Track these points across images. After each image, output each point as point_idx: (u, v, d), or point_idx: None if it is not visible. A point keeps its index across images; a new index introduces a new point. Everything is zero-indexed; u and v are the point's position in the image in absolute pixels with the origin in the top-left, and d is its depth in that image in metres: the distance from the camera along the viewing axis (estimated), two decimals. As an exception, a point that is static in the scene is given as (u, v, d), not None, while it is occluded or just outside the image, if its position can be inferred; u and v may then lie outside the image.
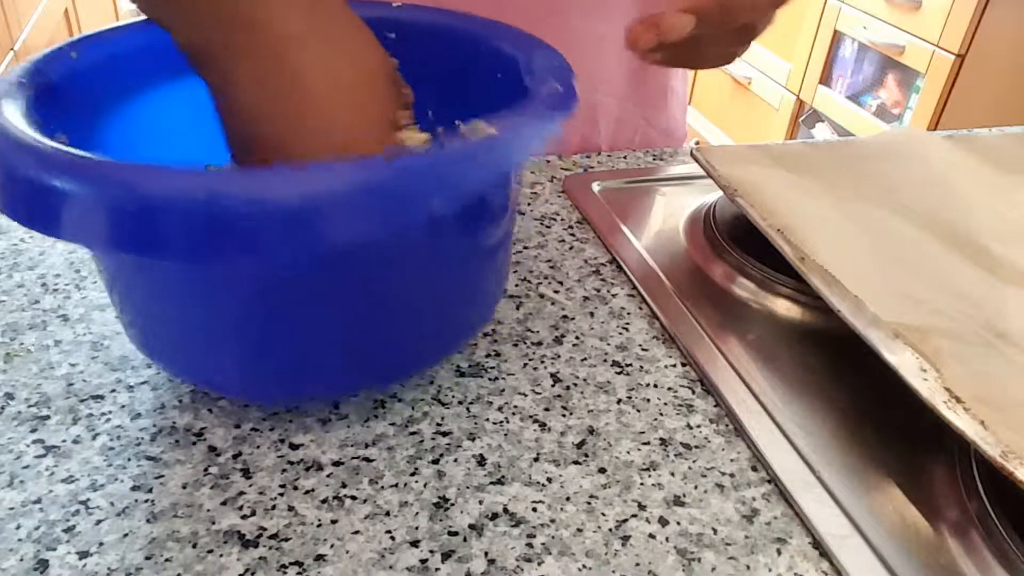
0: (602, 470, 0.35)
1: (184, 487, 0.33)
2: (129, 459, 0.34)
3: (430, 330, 0.37)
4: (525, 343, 0.42)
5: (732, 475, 0.36)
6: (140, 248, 0.26)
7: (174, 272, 0.31)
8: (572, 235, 0.52)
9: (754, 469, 0.36)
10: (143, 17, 0.33)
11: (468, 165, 0.29)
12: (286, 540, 0.31)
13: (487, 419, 0.37)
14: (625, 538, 0.32)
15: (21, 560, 0.30)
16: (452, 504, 0.33)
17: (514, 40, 0.39)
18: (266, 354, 0.34)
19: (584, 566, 0.31)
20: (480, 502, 0.33)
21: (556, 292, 0.47)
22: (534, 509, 0.33)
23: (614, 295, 0.47)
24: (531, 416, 0.38)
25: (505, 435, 0.37)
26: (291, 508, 0.33)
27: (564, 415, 0.38)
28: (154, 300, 0.33)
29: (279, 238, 0.26)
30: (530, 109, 0.32)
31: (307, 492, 0.33)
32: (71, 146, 0.27)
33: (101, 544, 0.31)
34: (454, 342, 0.40)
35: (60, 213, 0.26)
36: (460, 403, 0.38)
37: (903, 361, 0.36)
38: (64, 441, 0.35)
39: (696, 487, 0.35)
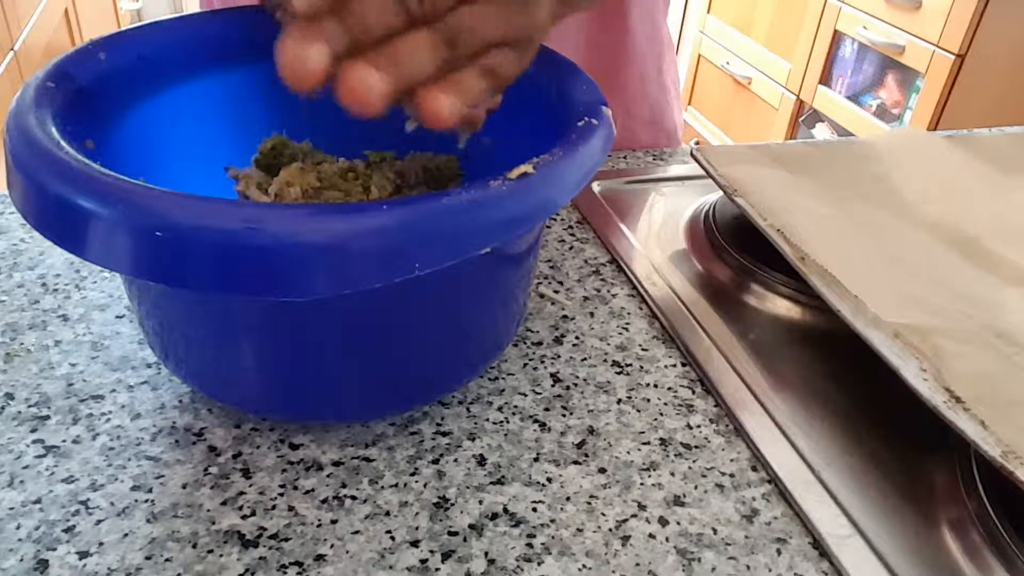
0: (602, 470, 0.35)
1: (184, 487, 0.33)
2: (129, 459, 0.34)
3: (456, 359, 0.36)
4: (525, 343, 0.42)
5: (732, 475, 0.36)
6: (168, 278, 0.25)
7: (198, 298, 0.31)
8: (572, 235, 0.52)
9: (754, 469, 0.36)
10: (171, 15, 0.32)
11: (516, 206, 0.28)
12: (286, 540, 0.31)
13: (487, 419, 0.37)
14: (625, 538, 0.32)
15: (21, 560, 0.30)
16: (452, 504, 0.33)
17: (546, 64, 0.36)
18: (289, 380, 0.34)
19: (584, 566, 0.31)
20: (480, 502, 0.33)
21: (556, 292, 0.47)
22: (534, 509, 0.33)
23: (614, 295, 0.47)
24: (531, 416, 0.38)
25: (505, 435, 0.37)
26: (291, 508, 0.33)
27: (564, 415, 0.38)
28: (178, 322, 0.33)
29: (312, 276, 0.25)
30: (571, 150, 0.31)
31: (307, 492, 0.33)
32: (98, 150, 0.26)
33: (101, 544, 0.31)
34: (482, 364, 0.39)
35: (88, 237, 0.25)
36: (460, 403, 0.38)
37: (903, 361, 0.36)
38: (64, 441, 0.35)
39: (696, 487, 0.35)
